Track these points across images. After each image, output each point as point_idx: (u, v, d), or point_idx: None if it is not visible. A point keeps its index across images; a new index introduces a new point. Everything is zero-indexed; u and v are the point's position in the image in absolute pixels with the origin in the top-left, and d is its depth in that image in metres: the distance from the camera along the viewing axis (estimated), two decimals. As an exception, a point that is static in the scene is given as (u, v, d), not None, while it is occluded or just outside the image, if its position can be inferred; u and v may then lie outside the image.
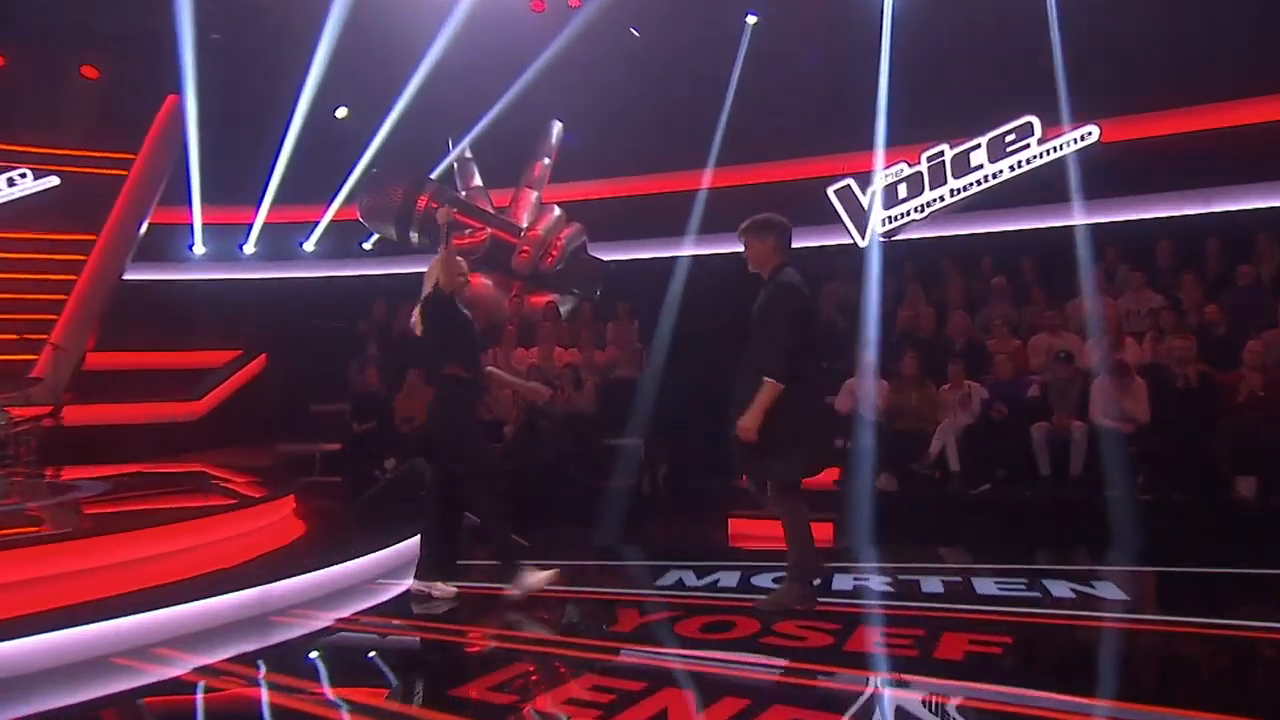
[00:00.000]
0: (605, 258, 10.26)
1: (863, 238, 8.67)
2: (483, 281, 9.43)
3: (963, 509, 6.52)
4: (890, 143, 8.82)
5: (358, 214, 10.01)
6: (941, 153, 8.48)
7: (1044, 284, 8.35)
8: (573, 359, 8.60)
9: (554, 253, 9.58)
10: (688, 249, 9.77)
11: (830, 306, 8.57)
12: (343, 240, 11.27)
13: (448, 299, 4.57)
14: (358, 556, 5.02)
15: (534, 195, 10.26)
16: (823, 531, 5.48)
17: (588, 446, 7.48)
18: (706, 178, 9.92)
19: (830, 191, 8.76)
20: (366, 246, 10.96)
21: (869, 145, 8.90)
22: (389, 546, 5.29)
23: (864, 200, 8.70)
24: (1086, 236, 7.92)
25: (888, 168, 8.56)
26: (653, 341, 8.66)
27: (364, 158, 10.35)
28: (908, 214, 8.53)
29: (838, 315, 8.55)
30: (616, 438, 7.58)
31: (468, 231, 9.44)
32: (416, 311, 4.68)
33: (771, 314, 3.56)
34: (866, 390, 7.08)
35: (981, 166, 8.18)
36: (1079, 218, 8.18)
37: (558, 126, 10.73)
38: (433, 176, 10.14)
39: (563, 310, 9.55)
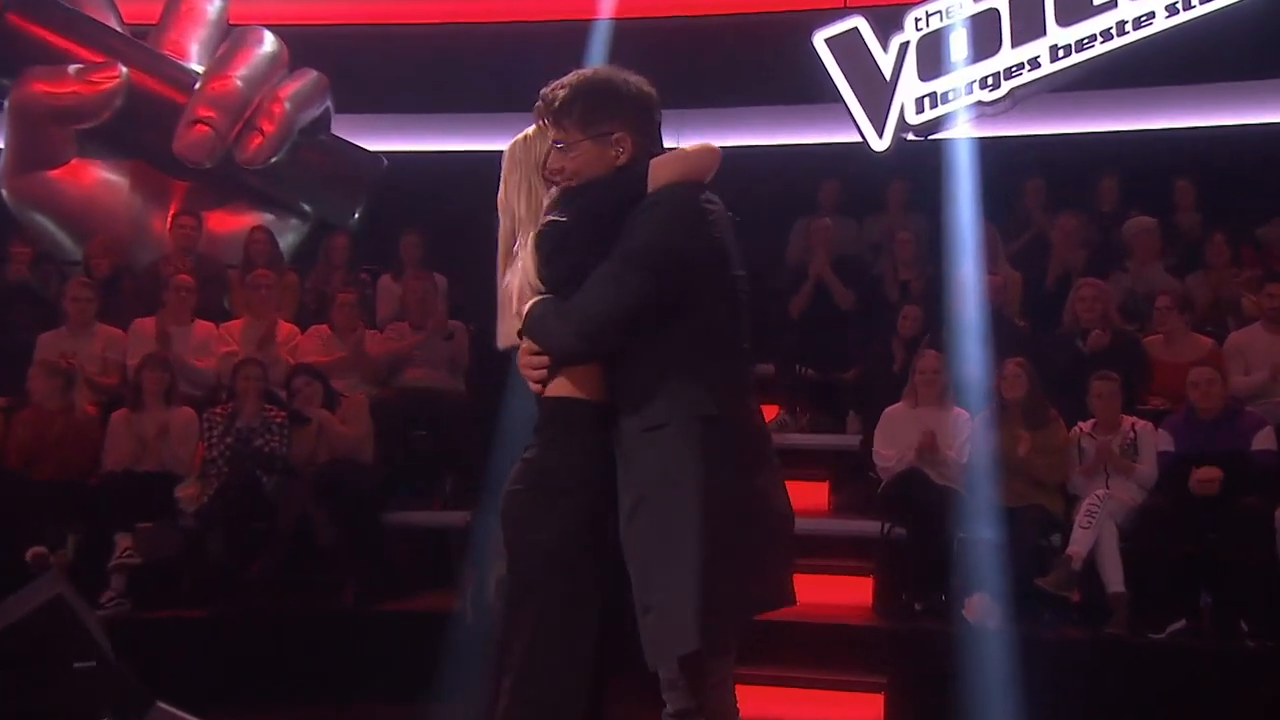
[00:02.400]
0: (377, 148, 9.42)
1: (880, 135, 7.85)
2: (106, 179, 8.33)
3: (1138, 672, 5.83)
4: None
5: None
6: None
7: (1236, 227, 7.63)
8: (323, 348, 7.40)
9: (265, 127, 8.34)
10: None
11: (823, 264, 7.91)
12: None
13: None
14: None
15: (214, 7, 9.07)
16: (866, 710, 5.55)
17: (359, 529, 6.46)
18: (604, 2, 9.05)
19: (820, 40, 7.98)
20: None
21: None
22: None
23: (884, 61, 7.87)
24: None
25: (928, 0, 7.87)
26: (485, 320, 7.56)
27: None
28: (968, 90, 7.76)
29: (840, 282, 7.96)
30: (415, 510, 6.96)
31: (74, 69, 8.17)
32: None
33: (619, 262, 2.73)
34: (918, 428, 6.37)
35: (1114, 4, 7.45)
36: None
37: None
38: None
39: (283, 245, 8.55)
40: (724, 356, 2.79)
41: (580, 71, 2.88)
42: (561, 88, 2.83)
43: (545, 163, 2.77)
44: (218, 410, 6.36)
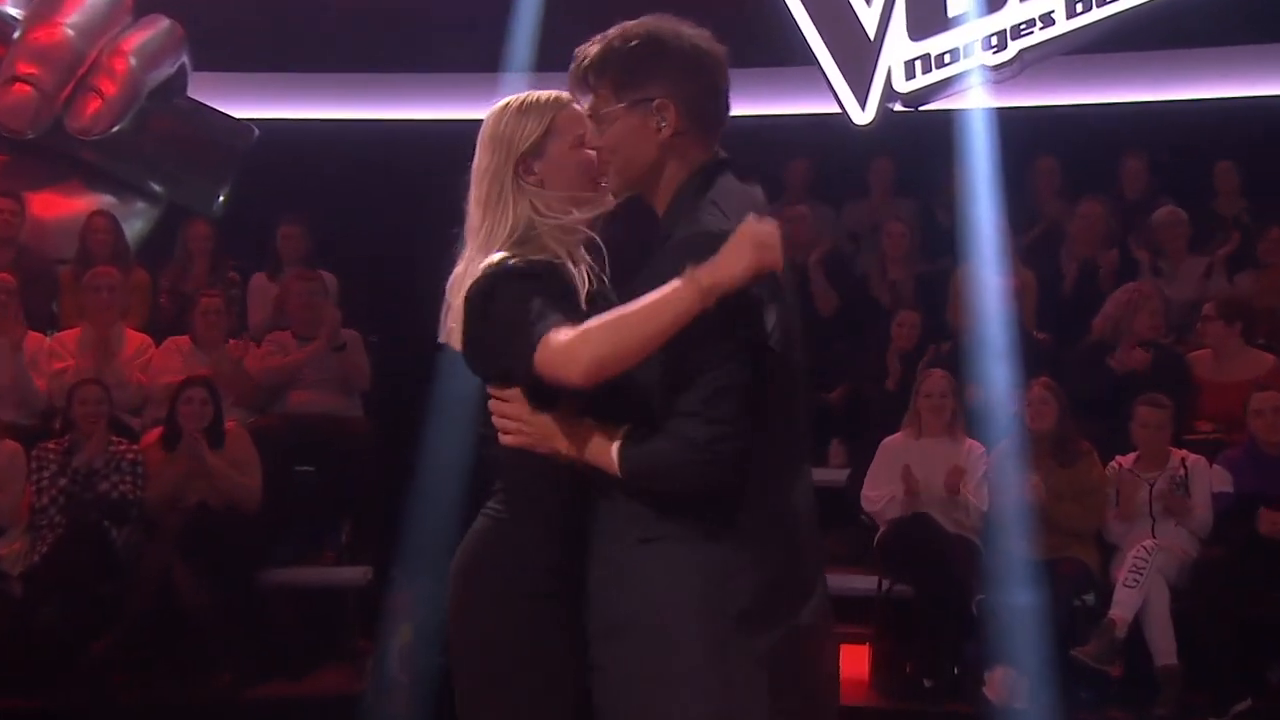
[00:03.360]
0: (247, 114, 9.14)
1: (862, 105, 7.76)
2: None
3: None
4: None
5: None
6: None
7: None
8: (183, 364, 7.28)
9: (105, 88, 8.06)
10: (483, 105, 8.27)
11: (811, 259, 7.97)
12: None
13: None
14: None
15: None
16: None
17: (235, 592, 6.44)
18: None
19: None
20: None
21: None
22: None
23: (867, 16, 7.76)
24: None
25: None
26: (389, 329, 8.18)
27: None
28: (968, 52, 7.57)
29: (817, 278, 8.00)
30: (303, 565, 7.00)
31: None
32: None
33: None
34: (925, 464, 6.42)
35: None
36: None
37: None
38: None
39: (130, 234, 8.25)
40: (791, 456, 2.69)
41: (624, 24, 2.75)
42: (595, 43, 2.73)
43: (524, 151, 2.65)
44: (50, 445, 6.22)
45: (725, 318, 2.45)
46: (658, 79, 2.61)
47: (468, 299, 2.43)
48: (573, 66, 2.72)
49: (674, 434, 2.46)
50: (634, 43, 2.65)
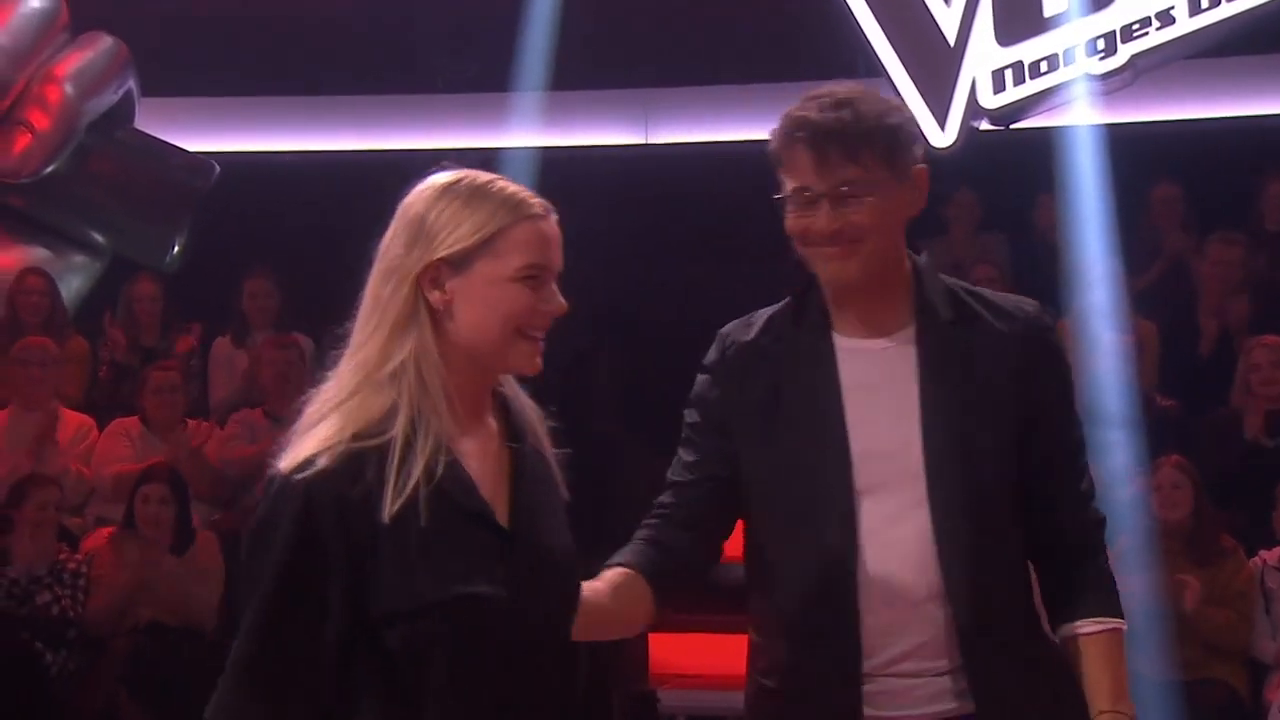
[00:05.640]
0: (205, 148, 9.33)
1: (942, 125, 7.91)
2: None
3: None
4: None
5: None
6: None
7: None
8: (132, 452, 7.31)
9: (35, 120, 8.34)
10: (504, 136, 9.01)
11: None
12: None
13: None
14: None
15: None
16: None
17: None
18: None
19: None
20: None
21: None
22: None
23: (947, 19, 7.90)
24: None
25: None
26: None
27: None
28: (1070, 59, 7.76)
29: None
30: None
31: None
32: None
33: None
34: None
35: None
36: None
37: None
38: None
39: (67, 294, 8.42)
40: None
41: (847, 86, 2.81)
42: (850, 103, 2.71)
43: (442, 256, 2.18)
44: None
45: None
46: (914, 148, 2.70)
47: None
48: (806, 133, 2.66)
49: None
50: (895, 106, 2.75)
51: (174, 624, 6.35)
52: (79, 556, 6.29)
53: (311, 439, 1.98)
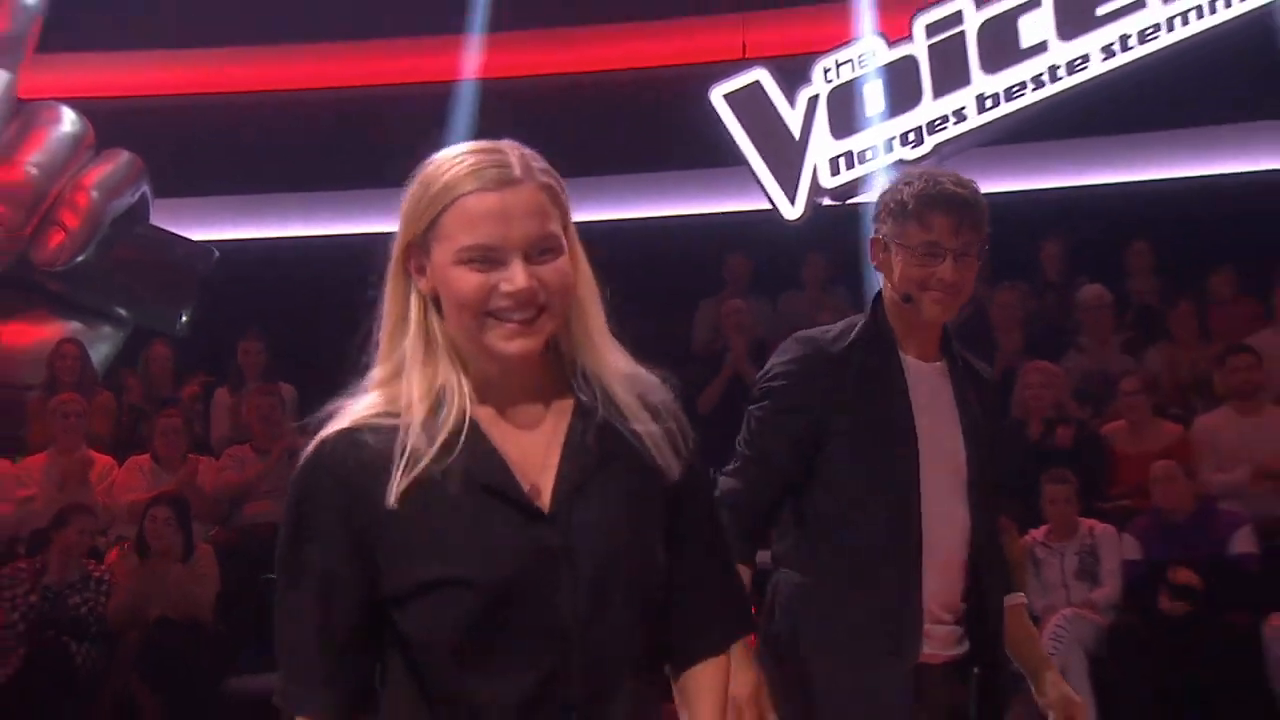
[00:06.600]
0: (206, 236, 9.32)
1: (792, 201, 8.01)
2: None
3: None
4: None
5: None
6: (959, 16, 7.87)
7: (1199, 294, 7.68)
8: (145, 483, 7.12)
9: (68, 221, 8.20)
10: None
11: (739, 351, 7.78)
12: None
13: None
14: None
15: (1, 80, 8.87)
16: None
17: (199, 705, 6.17)
18: (469, 59, 9.14)
19: (718, 96, 8.09)
20: None
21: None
22: None
23: (792, 118, 8.03)
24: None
25: (841, 47, 8.10)
26: None
27: None
28: (887, 148, 7.95)
29: (750, 371, 7.72)
30: (264, 672, 6.52)
31: None
32: None
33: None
34: None
35: (1044, 47, 7.67)
36: (1273, 155, 8.33)
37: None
38: None
39: (96, 358, 8.34)
40: None
41: (941, 170, 2.89)
42: (969, 184, 2.76)
43: (410, 240, 1.68)
44: (19, 564, 6.13)
45: None
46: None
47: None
48: (947, 201, 2.67)
49: None
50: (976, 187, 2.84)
51: (179, 619, 6.29)
52: (103, 567, 6.24)
53: (333, 421, 1.64)
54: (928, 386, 2.82)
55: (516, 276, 1.52)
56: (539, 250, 1.54)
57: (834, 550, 2.79)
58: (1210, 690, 5.70)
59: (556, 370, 1.63)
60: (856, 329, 2.85)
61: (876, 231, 2.83)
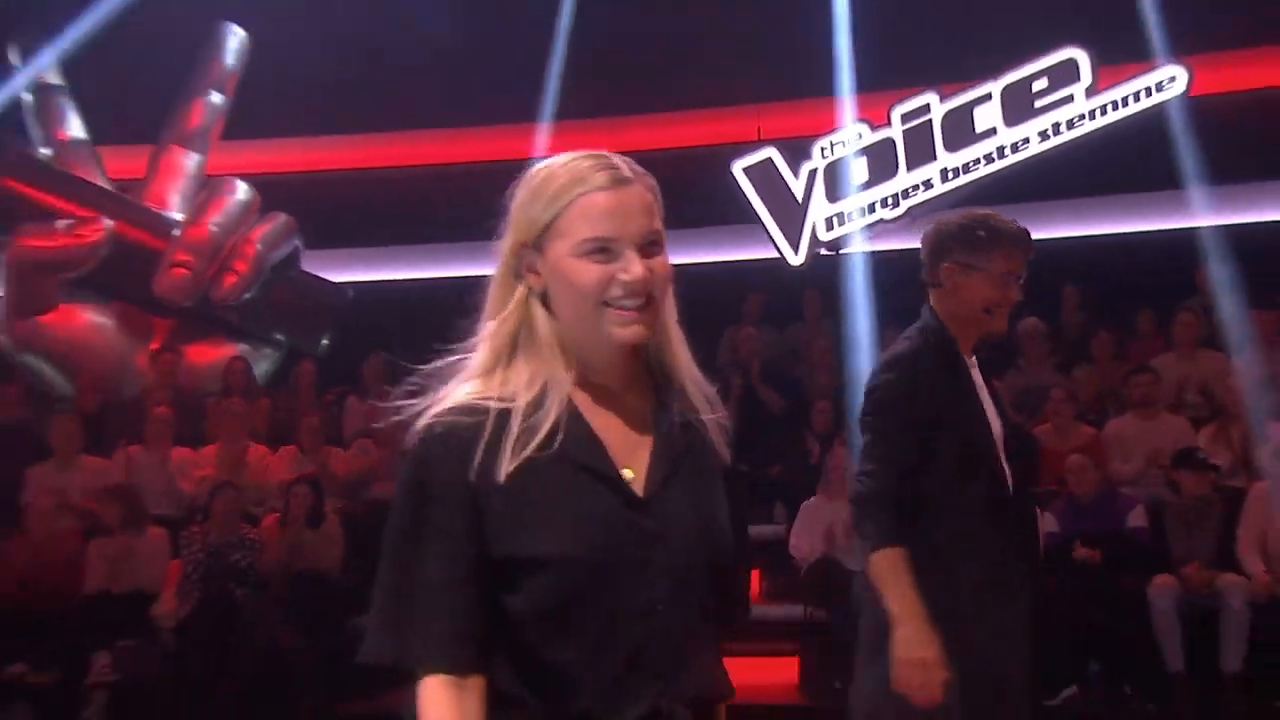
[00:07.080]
0: (341, 278, 9.38)
1: (795, 250, 8.15)
2: (92, 320, 8.42)
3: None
4: (841, 90, 8.58)
5: None
6: (927, 107, 8.09)
7: (1115, 326, 7.80)
8: (291, 468, 7.27)
9: (239, 267, 8.37)
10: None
11: (754, 370, 8.03)
12: None
13: None
14: None
15: (192, 161, 9.04)
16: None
17: (329, 637, 6.14)
18: (541, 140, 8.99)
19: (738, 169, 8.22)
20: None
21: (804, 91, 8.79)
22: None
23: (796, 186, 8.19)
24: (1200, 246, 7.52)
25: (834, 132, 8.26)
26: None
27: None
28: (871, 209, 8.07)
29: (762, 386, 8.03)
30: None
31: (63, 224, 8.21)
32: None
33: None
34: (832, 519, 6.33)
35: (994, 132, 7.85)
36: (1173, 217, 8.05)
37: (236, 35, 9.38)
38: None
39: (258, 372, 8.64)
40: None
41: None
42: (1015, 221, 2.83)
43: (525, 240, 1.52)
44: (194, 529, 6.33)
45: None
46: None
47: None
48: (1024, 237, 2.70)
49: None
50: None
51: (312, 573, 6.43)
52: (256, 530, 6.44)
53: (444, 400, 1.49)
54: (976, 376, 2.84)
55: (633, 266, 1.44)
56: (649, 244, 1.46)
57: (937, 519, 2.71)
58: (1108, 635, 5.79)
59: (640, 361, 1.53)
60: (926, 341, 2.78)
61: (948, 257, 2.76)
